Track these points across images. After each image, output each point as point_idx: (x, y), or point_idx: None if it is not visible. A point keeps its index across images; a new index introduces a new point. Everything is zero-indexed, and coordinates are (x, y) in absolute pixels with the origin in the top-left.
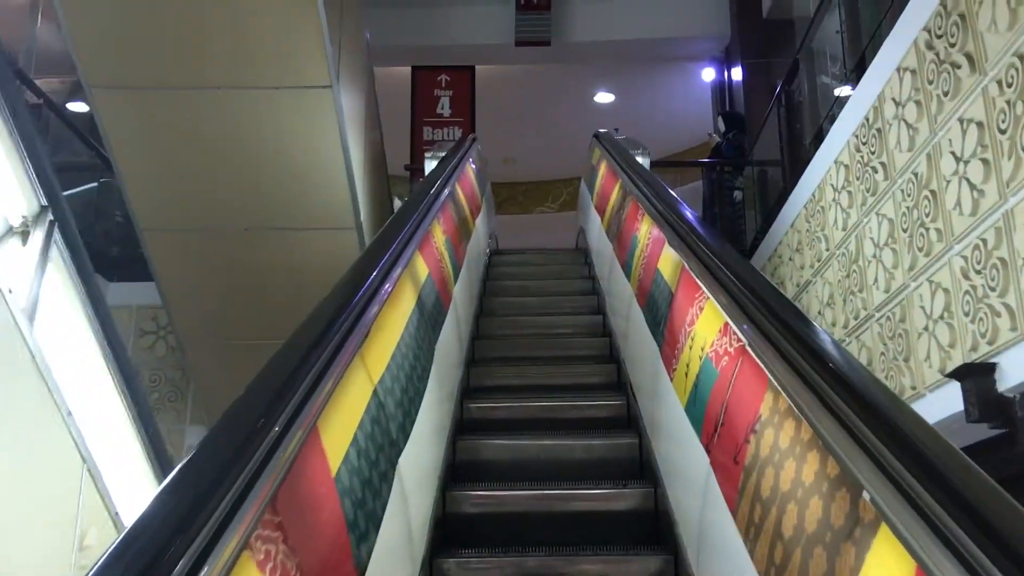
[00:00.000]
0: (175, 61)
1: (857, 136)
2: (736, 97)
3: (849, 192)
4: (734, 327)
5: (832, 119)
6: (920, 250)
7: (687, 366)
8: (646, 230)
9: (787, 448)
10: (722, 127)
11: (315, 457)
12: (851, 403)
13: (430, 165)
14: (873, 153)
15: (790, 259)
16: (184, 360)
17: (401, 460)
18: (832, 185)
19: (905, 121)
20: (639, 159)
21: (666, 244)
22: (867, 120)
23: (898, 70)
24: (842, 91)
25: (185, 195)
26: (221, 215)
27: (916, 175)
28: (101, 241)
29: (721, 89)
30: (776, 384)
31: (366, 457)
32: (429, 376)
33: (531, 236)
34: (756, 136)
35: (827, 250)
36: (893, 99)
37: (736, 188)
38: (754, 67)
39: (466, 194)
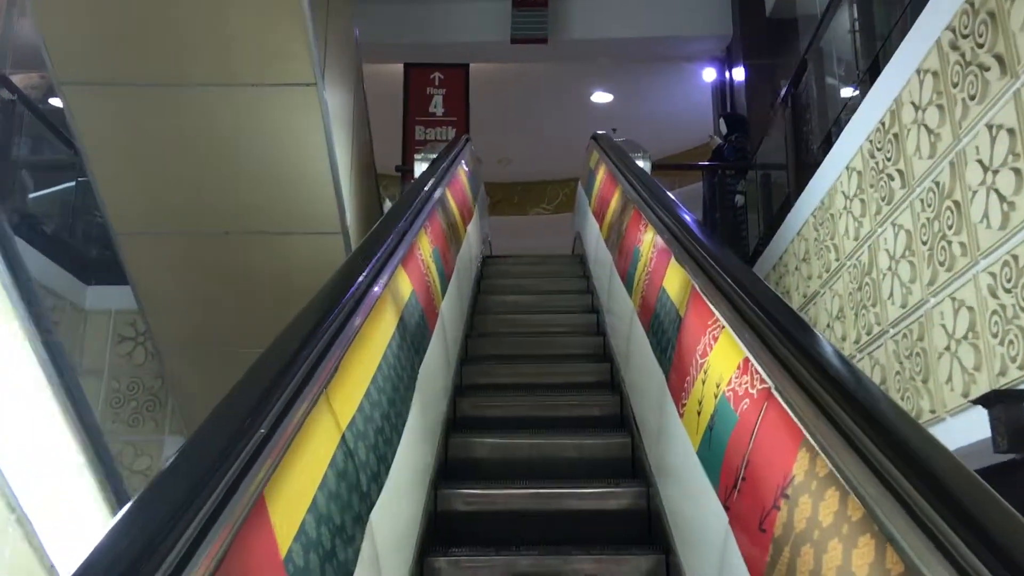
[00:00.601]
0: (150, 56)
1: (871, 141)
2: (738, 98)
3: (862, 200)
4: (756, 366)
5: (842, 123)
6: (941, 264)
7: (699, 403)
8: (649, 242)
9: (830, 526)
10: (724, 129)
11: (259, 537)
12: (922, 488)
13: (420, 167)
14: (889, 159)
15: (796, 268)
16: (162, 368)
17: (373, 516)
18: (843, 192)
19: (925, 126)
20: (640, 163)
21: (672, 259)
22: (882, 125)
23: (918, 72)
24: (854, 93)
25: (161, 197)
26: (200, 218)
27: (937, 184)
28: (79, 242)
29: (722, 90)
30: (814, 443)
31: (328, 524)
32: (411, 407)
33: (526, 239)
34: (760, 139)
35: (837, 260)
36: (912, 103)
37: (738, 192)
38: (757, 67)
39: (457, 200)
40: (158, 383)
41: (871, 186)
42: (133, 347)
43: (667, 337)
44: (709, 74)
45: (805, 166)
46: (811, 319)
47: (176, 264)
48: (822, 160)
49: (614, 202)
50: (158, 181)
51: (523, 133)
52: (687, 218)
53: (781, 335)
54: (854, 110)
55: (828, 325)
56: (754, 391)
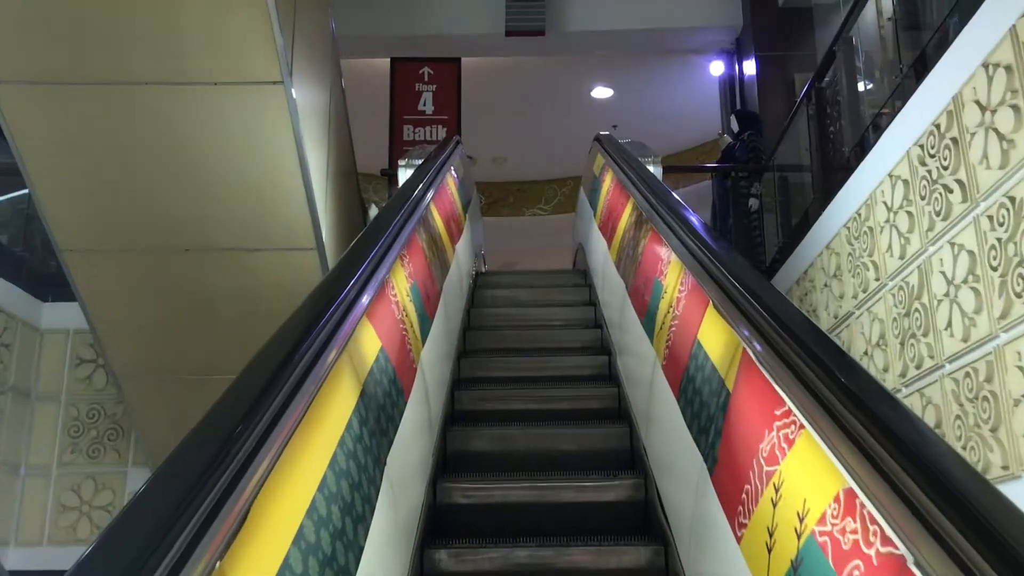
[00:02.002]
0: (90, 51)
1: (922, 146)
2: (748, 93)
3: (909, 213)
4: (872, 510)
5: (881, 123)
6: (1019, 296)
7: (770, 534)
8: (675, 276)
9: None
10: (735, 127)
11: None
12: None
13: (404, 174)
14: (946, 168)
15: (826, 285)
16: (121, 396)
17: None
18: (885, 203)
19: (996, 131)
20: (649, 167)
21: (710, 307)
22: (937, 128)
23: (985, 66)
24: (895, 90)
25: (112, 210)
26: (157, 234)
27: (1012, 200)
28: (33, 255)
29: (731, 84)
30: None
31: None
32: (373, 514)
33: (521, 241)
34: (780, 138)
35: (877, 280)
36: (977, 102)
37: (752, 196)
38: (769, 60)
39: (445, 215)
40: (120, 409)
41: (922, 197)
42: (93, 370)
43: (708, 413)
44: (717, 67)
45: (833, 169)
46: (844, 343)
47: (131, 284)
48: (856, 164)
49: (625, 218)
50: (107, 192)
51: (519, 131)
52: (730, 254)
53: (924, 479)
54: (896, 110)
55: (866, 352)
56: (872, 552)
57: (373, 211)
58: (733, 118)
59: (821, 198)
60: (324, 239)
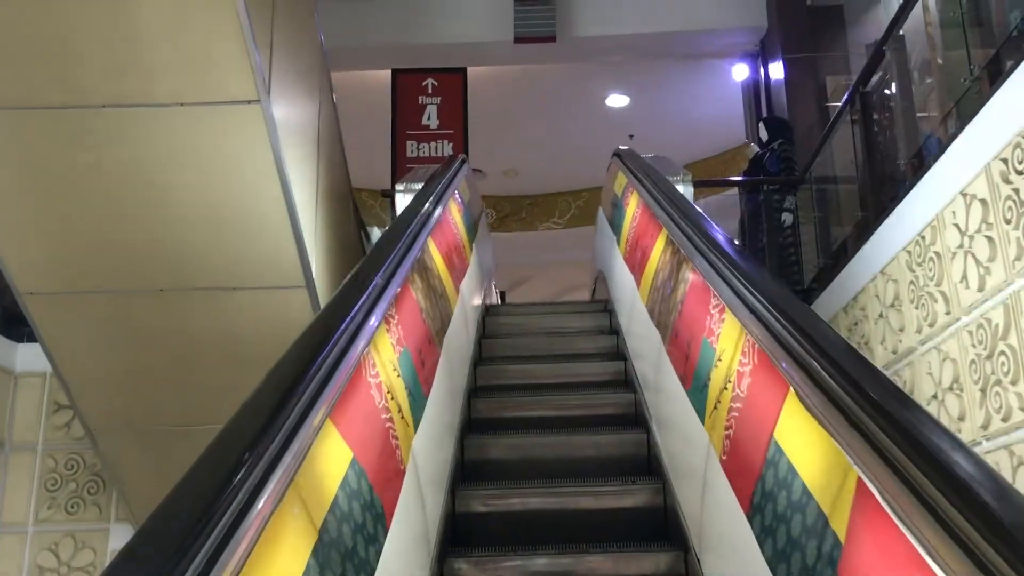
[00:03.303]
0: (39, 71)
1: (1005, 160)
2: (775, 98)
3: (989, 239)
4: None
5: (948, 133)
6: None
7: None
8: (734, 343)
9: None
10: (764, 135)
11: None
12: None
13: (402, 200)
14: None
15: (881, 316)
16: (96, 449)
17: None
18: (957, 226)
19: None
20: (679, 187)
21: (792, 397)
22: None
23: None
24: (961, 96)
25: (74, 249)
26: (126, 274)
27: None
28: (5, 293)
29: (755, 89)
30: None
31: None
32: None
33: (535, 256)
34: (818, 147)
35: (947, 313)
36: None
37: (785, 210)
38: (797, 63)
39: (447, 253)
40: (101, 460)
41: (1006, 221)
42: (71, 416)
43: (804, 560)
44: (740, 71)
45: (885, 183)
46: (907, 384)
47: (101, 330)
48: (913, 179)
49: (657, 254)
50: (68, 230)
51: (530, 142)
52: (818, 324)
53: None
54: (965, 118)
55: (935, 396)
56: None
57: (376, 235)
58: (762, 126)
59: (871, 216)
60: (315, 273)
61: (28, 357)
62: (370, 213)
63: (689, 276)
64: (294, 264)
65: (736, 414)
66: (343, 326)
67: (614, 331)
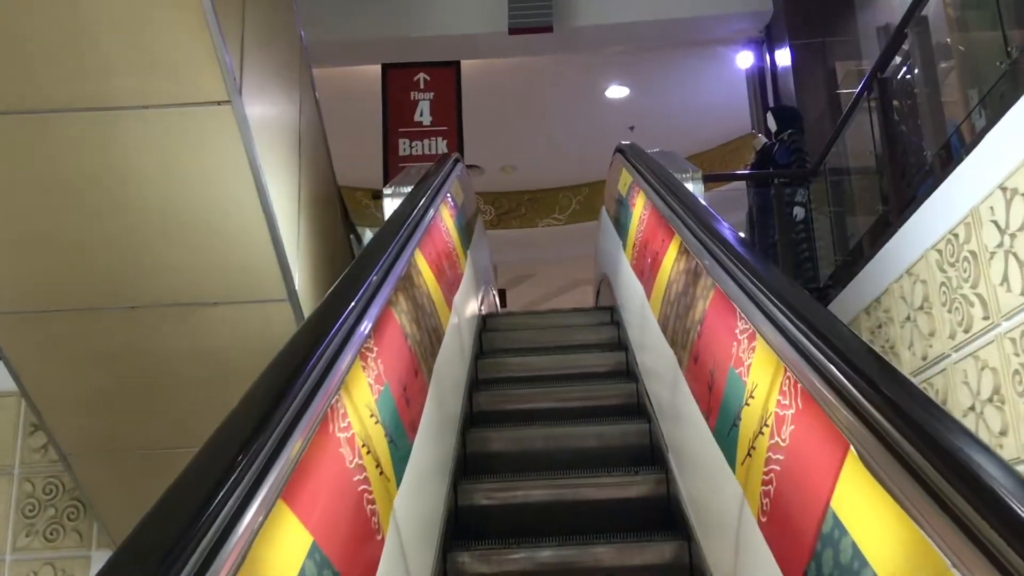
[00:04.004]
0: None
1: None
2: (782, 86)
3: None
4: None
5: (979, 121)
6: None
7: None
8: (770, 379)
9: None
10: (773, 126)
11: None
12: None
13: (390, 204)
14: None
15: (908, 319)
16: (71, 475)
17: None
18: (996, 223)
19: None
20: (688, 185)
21: (853, 458)
22: None
23: None
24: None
25: (36, 264)
26: (94, 290)
27: None
28: None
29: (761, 77)
30: None
31: None
32: None
33: (536, 253)
34: (833, 137)
35: (986, 319)
36: None
37: (797, 204)
38: (805, 48)
39: (438, 265)
40: None
41: None
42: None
43: None
44: (744, 59)
45: (908, 176)
46: (939, 394)
47: (70, 350)
48: (942, 172)
49: (670, 262)
50: (28, 244)
51: (528, 137)
52: (892, 375)
53: None
54: (1001, 105)
55: (972, 408)
56: None
57: (368, 237)
58: (770, 116)
59: (895, 210)
60: (299, 284)
61: (1, 375)
62: (366, 213)
63: (710, 293)
64: (275, 275)
65: (777, 467)
66: (296, 385)
67: (624, 348)
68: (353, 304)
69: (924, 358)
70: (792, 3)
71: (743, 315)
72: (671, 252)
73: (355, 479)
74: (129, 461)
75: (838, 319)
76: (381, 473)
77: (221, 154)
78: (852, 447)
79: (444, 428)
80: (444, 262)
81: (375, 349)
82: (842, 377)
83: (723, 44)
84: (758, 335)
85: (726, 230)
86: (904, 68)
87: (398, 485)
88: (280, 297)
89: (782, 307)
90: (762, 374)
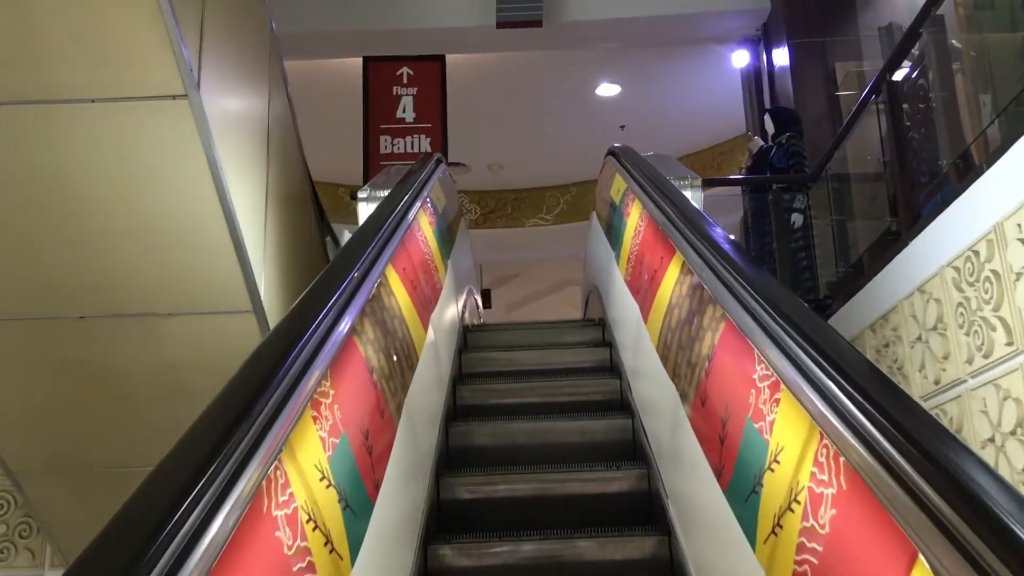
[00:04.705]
0: None
1: None
2: (780, 87)
3: None
4: None
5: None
6: None
7: None
8: (802, 442)
9: None
10: (770, 128)
11: None
12: None
13: (365, 210)
14: None
15: (920, 339)
16: (21, 494)
17: None
18: (1022, 241)
19: None
20: (687, 193)
21: (922, 567)
22: None
23: None
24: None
25: None
26: (39, 298)
27: None
28: None
29: (757, 77)
30: None
31: None
32: None
33: (522, 253)
34: (836, 142)
35: (1010, 344)
36: None
37: (795, 210)
38: (804, 48)
39: (414, 280)
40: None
41: None
42: None
43: None
44: (740, 58)
45: (920, 185)
46: (953, 422)
47: (15, 362)
48: (960, 183)
49: (671, 282)
50: None
51: (516, 134)
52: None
53: None
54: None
55: (992, 440)
56: None
57: (346, 238)
58: (767, 118)
59: (904, 223)
60: (264, 293)
61: None
62: (348, 210)
63: (720, 325)
64: (238, 284)
65: (814, 560)
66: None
67: (618, 375)
68: (299, 347)
69: (937, 382)
70: (791, 1)
71: (763, 358)
72: (672, 272)
73: (295, 569)
74: (83, 480)
75: (904, 392)
76: (332, 551)
77: (178, 152)
78: (922, 556)
79: (415, 471)
80: (421, 276)
81: (331, 393)
82: (900, 458)
83: (718, 42)
84: (783, 385)
85: (738, 253)
86: (917, 70)
87: (354, 561)
88: (244, 308)
89: (822, 360)
90: (790, 436)
